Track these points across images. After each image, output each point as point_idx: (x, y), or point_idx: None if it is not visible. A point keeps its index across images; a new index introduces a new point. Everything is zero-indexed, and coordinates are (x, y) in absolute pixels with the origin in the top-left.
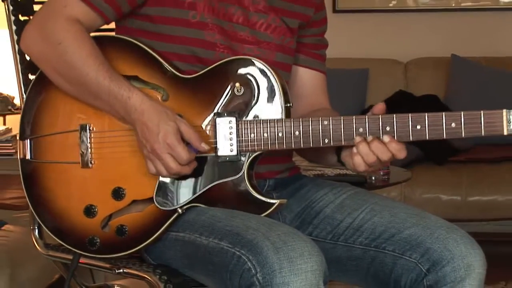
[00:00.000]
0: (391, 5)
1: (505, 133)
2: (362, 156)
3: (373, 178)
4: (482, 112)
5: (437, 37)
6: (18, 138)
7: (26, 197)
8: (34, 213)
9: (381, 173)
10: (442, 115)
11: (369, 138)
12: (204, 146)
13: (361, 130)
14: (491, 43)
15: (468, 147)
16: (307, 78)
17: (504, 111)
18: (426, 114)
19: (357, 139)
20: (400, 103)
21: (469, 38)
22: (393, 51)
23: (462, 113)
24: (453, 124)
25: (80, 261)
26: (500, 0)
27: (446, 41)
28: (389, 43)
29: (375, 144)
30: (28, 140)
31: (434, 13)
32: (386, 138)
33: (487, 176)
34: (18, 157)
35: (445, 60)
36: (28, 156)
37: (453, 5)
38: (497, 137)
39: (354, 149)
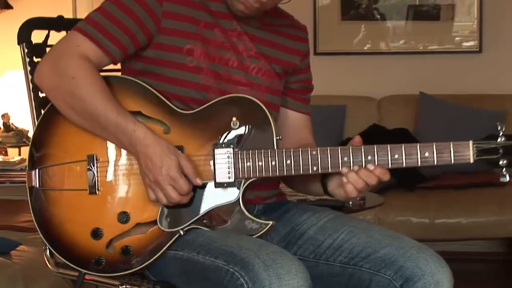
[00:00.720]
0: (366, 48)
1: (472, 161)
2: (352, 183)
3: (350, 202)
4: (451, 143)
5: (407, 77)
6: (27, 168)
7: (34, 222)
8: (42, 237)
9: (358, 198)
10: (417, 145)
11: (355, 167)
12: (198, 181)
13: (345, 159)
14: (455, 82)
15: (435, 175)
16: (294, 119)
17: (471, 142)
18: (403, 144)
19: (344, 169)
20: (374, 135)
21: (436, 77)
22: (368, 89)
23: (434, 144)
24: (426, 154)
25: (86, 277)
26: (462, 44)
27: (415, 80)
28: (364, 82)
29: (362, 172)
30: (37, 170)
31: (404, 56)
32: (370, 166)
33: (453, 201)
34: (27, 186)
35: (414, 97)
36: (36, 185)
37: (421, 48)
38: (462, 166)
39: (344, 179)
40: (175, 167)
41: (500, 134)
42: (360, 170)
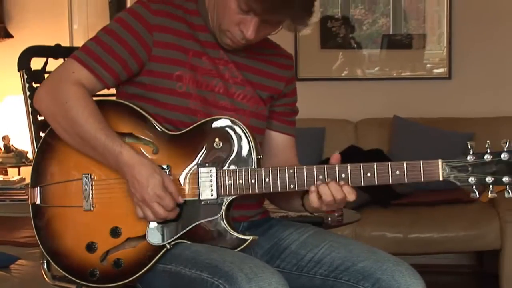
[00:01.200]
0: (343, 74)
1: (441, 179)
2: (321, 195)
3: (329, 219)
4: (421, 161)
5: (381, 101)
6: (29, 186)
7: (36, 236)
8: (43, 250)
9: (336, 214)
10: (388, 164)
11: (328, 179)
12: (181, 200)
13: (321, 177)
14: (427, 106)
15: (408, 193)
16: (280, 141)
17: (440, 160)
18: (375, 163)
19: (318, 182)
20: (352, 156)
21: (409, 102)
22: (345, 113)
23: (405, 162)
24: (397, 172)
25: None
26: (433, 71)
27: (389, 105)
28: (342, 106)
29: (331, 184)
30: (38, 188)
31: (379, 81)
32: (341, 182)
33: (424, 216)
34: (29, 203)
35: (389, 120)
36: (38, 202)
37: (395, 74)
38: (433, 183)
39: (312, 188)
40: (160, 186)
41: (470, 153)
42: (331, 182)
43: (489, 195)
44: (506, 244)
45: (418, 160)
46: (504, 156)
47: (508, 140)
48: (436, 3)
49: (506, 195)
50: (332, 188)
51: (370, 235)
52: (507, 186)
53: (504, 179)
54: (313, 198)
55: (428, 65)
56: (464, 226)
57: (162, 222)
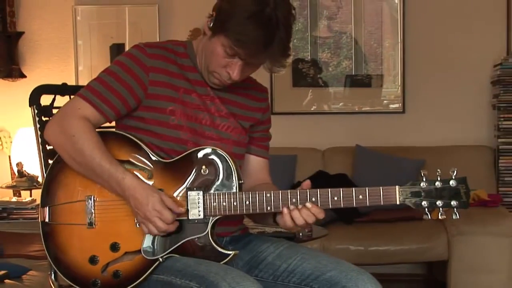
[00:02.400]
0: (312, 109)
1: (398, 203)
2: (294, 219)
3: (301, 234)
4: (381, 187)
5: (345, 132)
6: (40, 206)
7: (45, 250)
8: (51, 262)
9: (306, 230)
10: (353, 189)
11: (299, 206)
12: (181, 209)
13: (294, 200)
14: (384, 136)
15: (369, 211)
16: (256, 163)
17: (397, 187)
18: (341, 189)
19: (291, 207)
20: (320, 179)
21: (369, 133)
22: (314, 142)
23: (367, 188)
24: (360, 196)
25: None
26: (389, 106)
27: (352, 135)
28: (311, 136)
29: (303, 211)
30: (47, 208)
31: (343, 115)
32: (308, 204)
33: (383, 232)
34: (39, 221)
35: (352, 148)
36: (46, 220)
37: (356, 109)
38: (391, 205)
39: (285, 210)
40: (159, 202)
41: (423, 180)
42: (302, 209)
43: (439, 217)
44: (452, 255)
45: (378, 185)
46: (452, 183)
47: (455, 169)
48: (391, 48)
49: (453, 216)
50: (303, 214)
51: (336, 248)
52: (455, 209)
53: (452, 203)
54: (287, 220)
55: (385, 101)
56: (417, 240)
57: (155, 239)
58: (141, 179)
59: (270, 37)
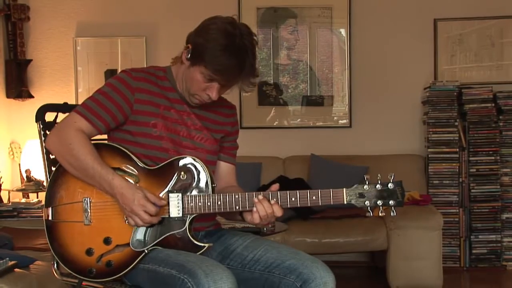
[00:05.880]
0: (275, 124)
1: (345, 202)
2: (258, 211)
3: (265, 229)
4: (331, 190)
5: (302, 143)
6: (44, 206)
7: (48, 243)
8: (53, 254)
9: (270, 226)
10: (307, 192)
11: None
12: (162, 201)
13: (256, 200)
14: (334, 147)
15: (322, 209)
16: (226, 168)
17: (344, 189)
18: (297, 191)
19: (256, 200)
20: (281, 182)
21: (321, 144)
22: (276, 151)
23: (319, 190)
24: (313, 197)
25: (83, 283)
26: (339, 121)
27: (308, 146)
28: (274, 146)
29: (264, 202)
30: (50, 208)
31: (300, 129)
32: (272, 201)
33: (334, 226)
34: (44, 219)
35: (307, 157)
36: (50, 218)
37: (311, 124)
38: (340, 204)
39: (254, 209)
40: (143, 197)
41: (366, 183)
42: (264, 200)
43: (380, 214)
44: (391, 246)
45: (329, 188)
46: (390, 185)
47: (393, 174)
48: (340, 74)
49: (391, 213)
50: (264, 205)
51: (294, 240)
52: (392, 207)
53: (390, 202)
54: (255, 217)
55: (335, 117)
56: (361, 233)
57: (141, 233)
58: (128, 180)
59: (242, 63)
